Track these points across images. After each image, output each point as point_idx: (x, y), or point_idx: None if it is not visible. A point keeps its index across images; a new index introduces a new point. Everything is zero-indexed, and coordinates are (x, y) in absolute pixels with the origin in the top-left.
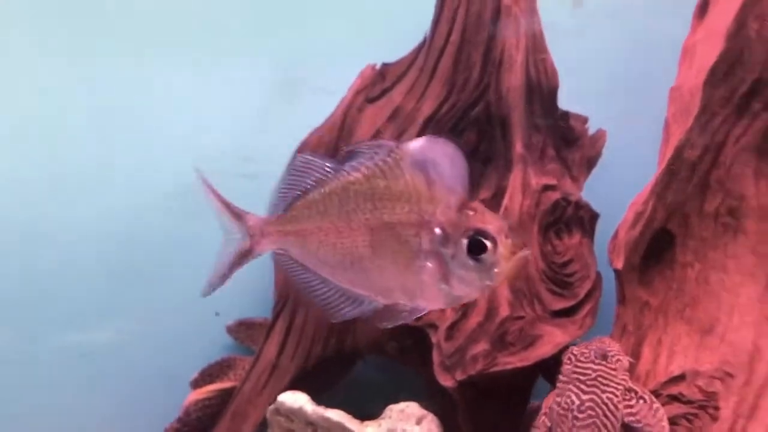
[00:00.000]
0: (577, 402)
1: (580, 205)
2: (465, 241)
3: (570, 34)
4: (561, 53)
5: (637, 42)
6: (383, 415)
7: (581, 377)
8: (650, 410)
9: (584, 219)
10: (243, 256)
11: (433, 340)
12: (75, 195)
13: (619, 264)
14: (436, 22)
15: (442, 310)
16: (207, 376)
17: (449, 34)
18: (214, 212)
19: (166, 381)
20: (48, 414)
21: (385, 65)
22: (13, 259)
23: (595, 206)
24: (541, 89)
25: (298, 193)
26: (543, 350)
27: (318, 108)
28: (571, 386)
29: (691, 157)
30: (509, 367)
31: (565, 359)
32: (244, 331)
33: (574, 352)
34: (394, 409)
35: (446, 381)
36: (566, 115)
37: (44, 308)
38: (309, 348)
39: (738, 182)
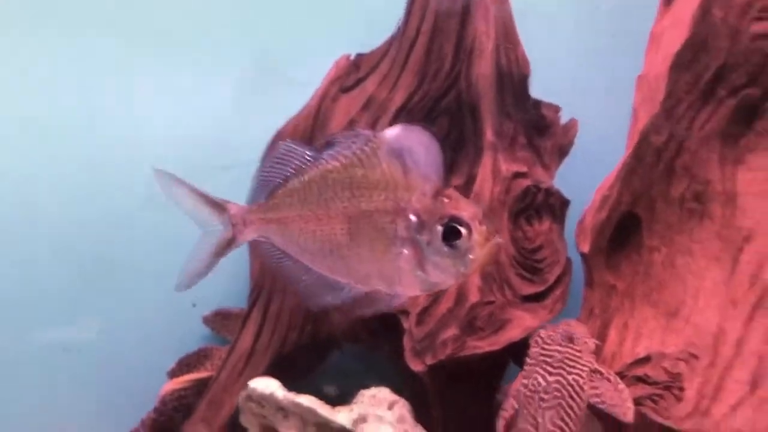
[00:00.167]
0: (544, 384)
1: (550, 192)
2: (440, 228)
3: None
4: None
5: (610, 31)
6: (355, 400)
7: (548, 359)
8: (615, 391)
9: (555, 206)
10: (226, 246)
11: (405, 326)
12: (51, 191)
13: (586, 248)
14: (408, 12)
15: (415, 297)
16: (184, 366)
17: (421, 24)
18: (186, 206)
19: (144, 372)
20: (28, 408)
21: (359, 55)
22: None
23: (568, 194)
24: (512, 77)
25: (279, 181)
26: (512, 334)
27: (293, 98)
28: (537, 368)
29: (657, 143)
30: (478, 351)
31: (532, 342)
32: (220, 321)
33: (541, 335)
34: (366, 395)
35: (416, 366)
36: (538, 103)
37: (22, 305)
38: (284, 336)
39: (703, 167)
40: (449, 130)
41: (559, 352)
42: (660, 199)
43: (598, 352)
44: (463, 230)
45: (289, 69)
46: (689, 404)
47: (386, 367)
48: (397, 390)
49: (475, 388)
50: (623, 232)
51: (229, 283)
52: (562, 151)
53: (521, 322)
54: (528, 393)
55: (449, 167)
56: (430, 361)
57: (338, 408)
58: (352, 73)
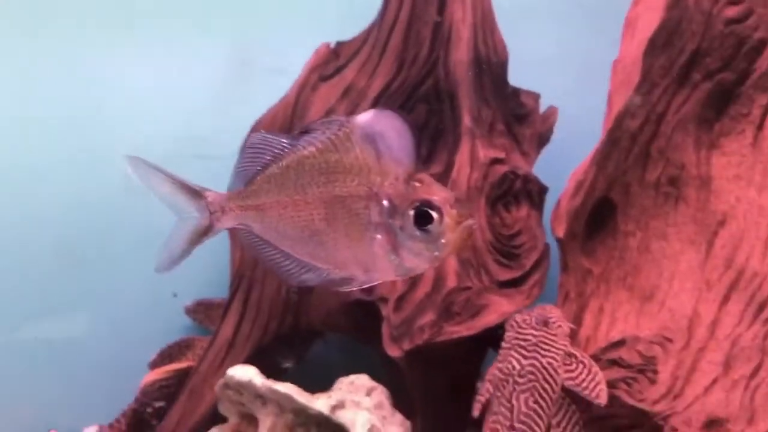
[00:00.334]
0: (518, 367)
1: (528, 179)
2: (411, 213)
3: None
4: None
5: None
6: (333, 388)
7: (522, 343)
8: (589, 374)
9: (533, 192)
10: (203, 234)
11: (383, 313)
12: (25, 183)
13: (561, 232)
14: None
15: (393, 283)
16: (166, 356)
17: (399, 11)
18: (162, 193)
19: (126, 363)
20: (9, 400)
21: (339, 43)
22: None
23: (549, 181)
24: (490, 64)
25: (258, 169)
26: (489, 319)
27: (273, 88)
28: (512, 352)
29: (632, 127)
30: (455, 336)
31: (507, 326)
32: (202, 311)
33: (516, 319)
34: (344, 381)
35: (394, 352)
36: (517, 91)
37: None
38: (265, 325)
39: (678, 151)
40: (428, 117)
41: (533, 335)
42: (635, 183)
43: (573, 336)
44: (434, 214)
45: (268, 59)
46: (663, 387)
47: (367, 359)
48: (379, 378)
49: (454, 375)
50: (599, 216)
51: (210, 272)
52: (542, 139)
53: (498, 307)
54: (502, 376)
55: (428, 154)
56: (407, 346)
57: (317, 395)
58: (331, 61)
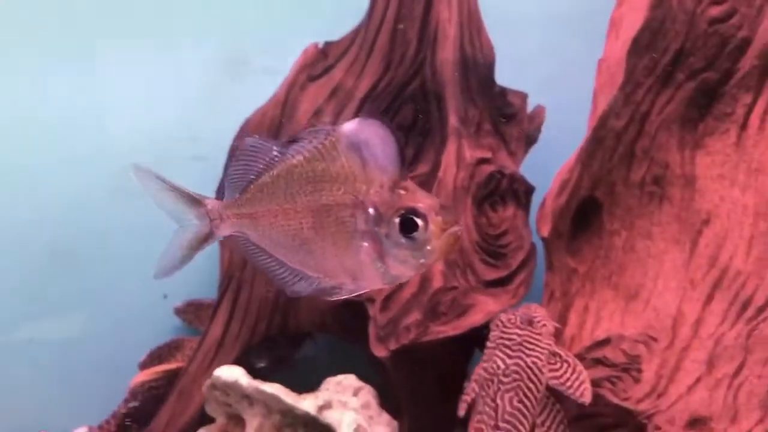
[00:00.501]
0: (503, 366)
1: (515, 178)
2: (397, 220)
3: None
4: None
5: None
6: (320, 388)
7: (507, 342)
8: (573, 373)
9: (519, 192)
10: (203, 240)
11: (370, 313)
12: (18, 184)
13: (545, 232)
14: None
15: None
16: (155, 357)
17: (386, 11)
18: (163, 201)
19: (116, 364)
20: (0, 402)
21: (327, 43)
22: None
23: (537, 181)
24: (477, 64)
25: (252, 176)
26: (474, 319)
27: (264, 87)
28: (497, 351)
29: (617, 127)
30: (441, 335)
31: (492, 326)
32: (192, 312)
33: (501, 319)
34: (331, 382)
35: (380, 352)
36: (504, 90)
37: None
38: (253, 326)
39: (663, 151)
40: (415, 117)
41: (518, 335)
42: (620, 182)
43: (557, 335)
44: (419, 222)
45: (258, 58)
46: (647, 385)
47: (357, 359)
48: (368, 378)
49: (441, 375)
50: (584, 215)
51: (200, 273)
52: (530, 139)
53: (484, 307)
54: (487, 376)
55: (415, 154)
56: (393, 346)
57: (304, 395)
58: (320, 61)
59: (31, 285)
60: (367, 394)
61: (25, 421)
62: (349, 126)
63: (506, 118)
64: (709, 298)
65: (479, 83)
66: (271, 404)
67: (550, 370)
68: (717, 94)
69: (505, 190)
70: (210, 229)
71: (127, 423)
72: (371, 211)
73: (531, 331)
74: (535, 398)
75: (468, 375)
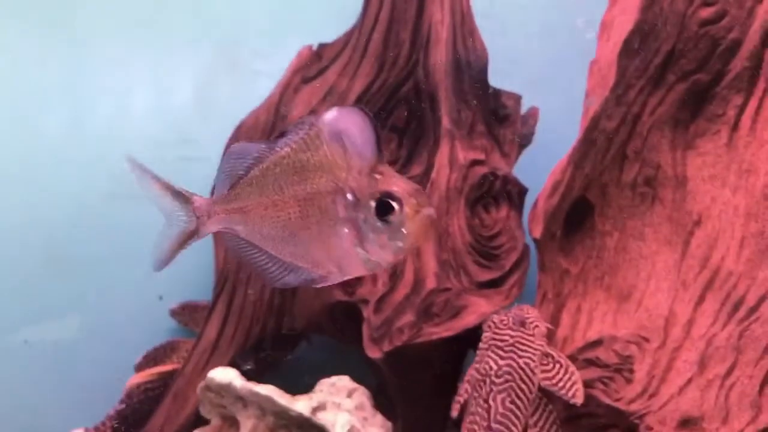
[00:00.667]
0: (495, 367)
1: (508, 180)
2: (373, 204)
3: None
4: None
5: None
6: (315, 389)
7: (499, 343)
8: (566, 374)
9: (512, 193)
10: (189, 237)
11: (364, 314)
12: (12, 186)
13: (537, 233)
14: (366, 1)
15: (374, 285)
16: (151, 359)
17: (378, 13)
18: (153, 196)
19: (111, 365)
20: None
21: (321, 45)
22: None
23: (530, 183)
24: (470, 66)
25: (241, 173)
26: (468, 320)
27: (257, 89)
28: (489, 352)
29: (608, 128)
30: (434, 337)
31: (484, 327)
32: (187, 314)
33: (494, 320)
34: (325, 383)
35: (373, 353)
36: (498, 92)
37: None
38: (248, 328)
39: (654, 152)
40: (408, 119)
41: (510, 336)
42: (612, 183)
43: (550, 336)
44: (395, 204)
45: (252, 60)
46: (639, 386)
47: (353, 360)
48: (363, 379)
49: (435, 376)
50: (576, 216)
51: (196, 275)
52: (524, 140)
53: (477, 308)
54: (480, 377)
55: (408, 155)
56: (386, 347)
57: (297, 397)
58: (314, 63)
59: (26, 287)
60: (361, 395)
61: (20, 423)
62: (329, 115)
63: (500, 119)
64: (701, 299)
65: (472, 85)
66: (265, 406)
67: (543, 371)
68: (708, 95)
69: (498, 192)
70: (196, 226)
71: (119, 425)
72: (349, 196)
73: (523, 332)
74: (528, 399)
75: (461, 376)
